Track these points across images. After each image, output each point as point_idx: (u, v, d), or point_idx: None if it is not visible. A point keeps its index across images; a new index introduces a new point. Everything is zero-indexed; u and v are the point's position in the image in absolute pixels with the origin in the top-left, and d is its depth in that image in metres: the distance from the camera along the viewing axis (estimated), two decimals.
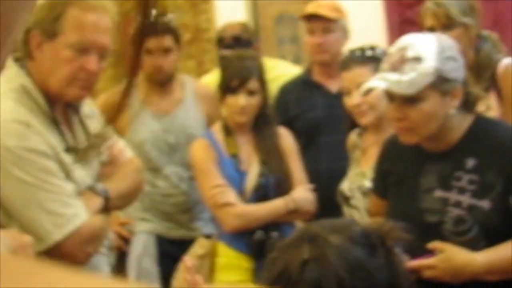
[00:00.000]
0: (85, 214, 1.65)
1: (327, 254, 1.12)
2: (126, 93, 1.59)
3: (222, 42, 3.08)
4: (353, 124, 2.48)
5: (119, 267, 3.31)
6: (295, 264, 1.13)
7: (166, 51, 2.77)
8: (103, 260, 1.79)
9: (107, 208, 1.76)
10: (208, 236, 2.67)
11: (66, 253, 1.60)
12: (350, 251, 1.13)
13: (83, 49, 1.68)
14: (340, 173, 2.49)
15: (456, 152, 1.92)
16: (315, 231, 1.18)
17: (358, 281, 1.12)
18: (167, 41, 2.76)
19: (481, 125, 1.94)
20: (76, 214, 1.63)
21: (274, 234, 2.45)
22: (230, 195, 2.47)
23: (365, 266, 1.13)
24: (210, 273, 2.57)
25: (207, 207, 2.64)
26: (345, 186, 2.42)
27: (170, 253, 2.76)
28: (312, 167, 2.65)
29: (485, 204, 1.84)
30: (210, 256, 2.58)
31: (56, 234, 1.60)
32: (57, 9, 1.67)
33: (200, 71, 4.09)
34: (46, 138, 1.65)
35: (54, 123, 1.70)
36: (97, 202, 1.73)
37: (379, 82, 1.92)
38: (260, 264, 2.45)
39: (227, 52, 2.92)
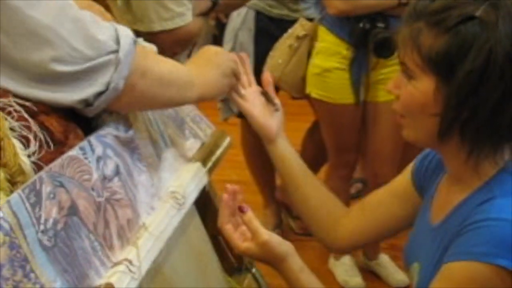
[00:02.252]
0: (190, 17, 1.61)
1: (499, 24, 1.02)
2: None
3: None
4: None
5: (217, 39, 3.27)
6: (457, 13, 1.03)
7: None
8: (184, 54, 1.76)
9: (210, 11, 1.73)
10: (310, 19, 2.56)
11: (156, 42, 1.58)
12: None
13: None
14: None
15: None
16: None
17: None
18: None
19: None
20: (182, 15, 1.60)
21: (380, 25, 2.30)
22: None
23: None
24: (307, 56, 2.49)
25: None
26: None
27: (268, 30, 2.68)
28: None
29: None
30: (310, 39, 2.49)
31: (156, 25, 1.58)
32: None
33: None
34: None
35: None
36: (205, 4, 1.69)
37: None
38: (360, 54, 2.34)
39: None
